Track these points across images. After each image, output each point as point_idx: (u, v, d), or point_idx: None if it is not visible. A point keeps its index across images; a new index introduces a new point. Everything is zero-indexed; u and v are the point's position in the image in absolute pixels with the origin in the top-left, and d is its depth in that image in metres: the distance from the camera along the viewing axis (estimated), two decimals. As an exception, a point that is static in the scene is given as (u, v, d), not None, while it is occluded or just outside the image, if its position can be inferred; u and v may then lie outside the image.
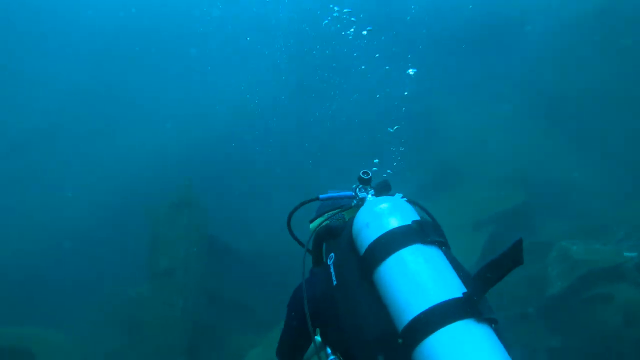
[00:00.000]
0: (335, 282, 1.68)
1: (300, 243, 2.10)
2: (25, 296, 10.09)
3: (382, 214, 1.63)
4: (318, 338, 1.83)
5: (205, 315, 9.06)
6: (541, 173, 11.05)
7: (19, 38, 18.28)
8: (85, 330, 9.69)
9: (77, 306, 9.99)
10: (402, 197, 1.87)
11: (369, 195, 1.92)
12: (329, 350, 1.76)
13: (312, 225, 2.11)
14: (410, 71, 11.36)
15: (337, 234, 1.89)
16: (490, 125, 12.78)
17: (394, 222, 1.59)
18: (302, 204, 2.09)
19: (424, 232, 1.56)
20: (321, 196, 2.09)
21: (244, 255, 11.02)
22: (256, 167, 15.67)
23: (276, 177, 15.61)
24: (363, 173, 1.95)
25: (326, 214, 2.10)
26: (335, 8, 12.35)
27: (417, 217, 1.65)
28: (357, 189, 1.97)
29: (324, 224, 2.03)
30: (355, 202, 1.97)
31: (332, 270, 1.73)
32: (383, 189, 1.97)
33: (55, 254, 11.47)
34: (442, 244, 1.58)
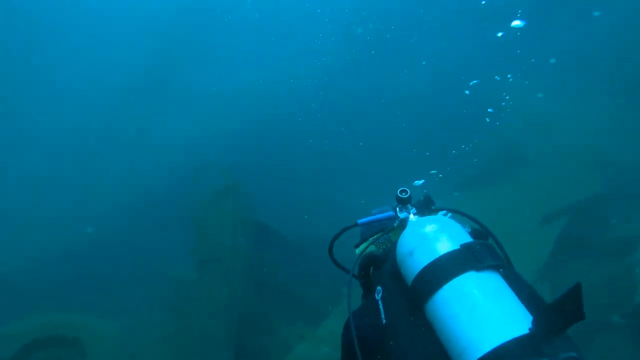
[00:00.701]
0: (384, 321, 1.59)
1: (344, 270, 2.00)
2: (72, 283, 10.31)
3: (427, 238, 1.53)
4: None
5: (252, 304, 8.85)
6: (620, 157, 9.83)
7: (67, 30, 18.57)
8: (133, 317, 9.79)
9: (125, 293, 10.11)
10: (447, 214, 1.77)
11: (411, 215, 1.83)
12: None
13: (358, 251, 1.98)
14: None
15: (381, 262, 1.79)
16: (560, 102, 11.59)
17: (441, 247, 1.48)
18: (343, 230, 2.01)
19: (476, 256, 1.43)
20: (360, 221, 1.99)
21: (292, 243, 10.71)
22: (306, 152, 15.26)
23: (327, 162, 15.15)
24: (401, 192, 1.84)
25: (370, 238, 1.96)
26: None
27: (468, 238, 1.53)
28: (397, 209, 1.87)
29: (367, 250, 1.90)
30: (397, 223, 1.86)
31: (380, 306, 1.63)
32: (425, 206, 1.86)
33: (101, 241, 11.64)
34: (499, 266, 1.44)
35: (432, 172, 8.54)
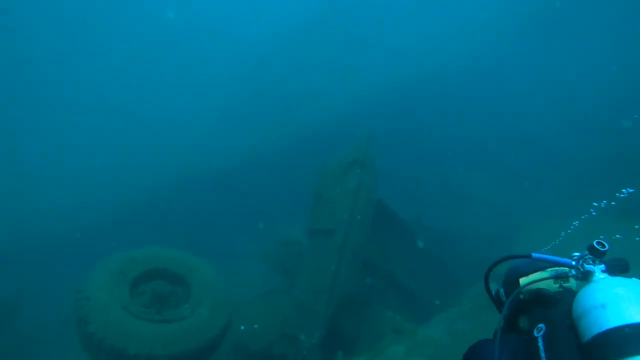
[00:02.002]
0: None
1: (493, 299, 2.00)
2: (191, 227, 10.88)
3: (625, 300, 1.45)
4: None
5: (355, 284, 8.41)
6: None
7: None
8: (241, 267, 10.03)
9: (236, 243, 10.40)
10: None
11: (599, 272, 1.70)
12: None
13: (524, 281, 1.88)
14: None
15: (550, 304, 1.72)
16: None
17: (638, 315, 1.38)
18: (509, 258, 1.95)
19: None
20: (534, 255, 1.86)
21: (409, 230, 10.01)
22: (443, 135, 14.32)
23: (465, 151, 14.06)
24: (598, 243, 1.71)
25: (542, 273, 1.85)
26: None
27: None
28: (582, 260, 1.75)
29: (535, 285, 1.82)
30: (574, 272, 1.77)
31: (540, 344, 1.58)
32: (619, 269, 1.74)
33: (225, 192, 12.04)
34: None
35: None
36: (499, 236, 11.35)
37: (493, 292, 2.02)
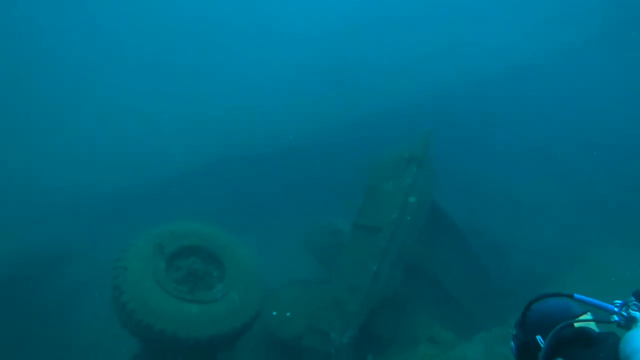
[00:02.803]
0: None
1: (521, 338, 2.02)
2: (235, 204, 10.77)
3: None
4: None
5: (396, 290, 8.01)
6: None
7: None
8: (280, 249, 9.86)
9: (278, 225, 10.22)
10: None
11: None
12: None
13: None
14: None
15: (592, 344, 1.75)
16: None
17: None
18: (553, 295, 2.00)
19: None
20: (576, 296, 1.92)
21: (463, 238, 9.42)
22: (510, 137, 13.36)
23: (534, 156, 13.09)
24: None
25: (585, 315, 1.88)
26: None
27: None
28: (626, 306, 1.76)
29: (579, 323, 1.85)
30: (617, 318, 1.78)
31: None
32: None
33: (275, 172, 11.82)
34: None
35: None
36: (556, 255, 10.51)
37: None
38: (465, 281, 9.56)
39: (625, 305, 1.75)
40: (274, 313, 7.95)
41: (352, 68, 14.53)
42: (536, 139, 13.85)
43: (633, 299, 1.75)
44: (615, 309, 1.77)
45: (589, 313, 1.88)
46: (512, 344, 2.06)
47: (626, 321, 1.73)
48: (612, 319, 1.78)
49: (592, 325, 1.84)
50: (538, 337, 1.90)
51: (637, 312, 1.72)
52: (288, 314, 8.01)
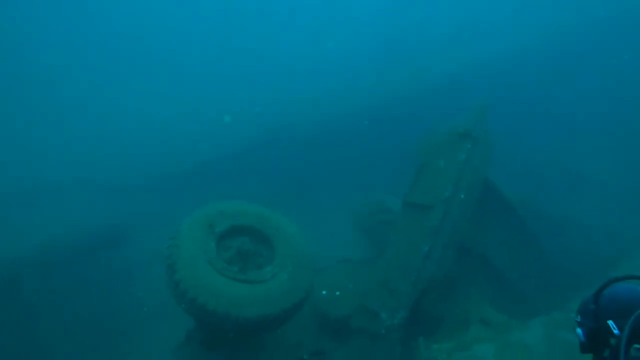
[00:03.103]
0: None
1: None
2: (283, 180, 10.70)
3: None
4: None
5: (447, 270, 7.75)
6: None
7: None
8: (328, 227, 9.76)
9: (326, 201, 10.08)
10: None
11: None
12: None
13: None
14: None
15: None
16: None
17: None
18: (626, 278, 1.97)
19: None
20: None
21: (522, 217, 8.96)
22: (572, 109, 12.52)
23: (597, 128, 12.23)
24: None
25: None
26: None
27: None
28: None
29: None
30: None
31: None
32: None
33: (324, 146, 11.63)
34: None
35: None
36: (622, 236, 9.83)
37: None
38: (519, 262, 9.14)
39: None
40: (323, 292, 7.93)
41: (405, 41, 13.97)
42: (601, 108, 12.89)
43: None
44: None
45: None
46: (579, 330, 2.02)
47: None
48: None
49: None
50: (610, 322, 1.86)
51: None
52: (337, 293, 7.96)
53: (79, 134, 13.61)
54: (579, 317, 2.05)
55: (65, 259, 10.55)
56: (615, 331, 1.83)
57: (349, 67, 14.04)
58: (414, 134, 9.34)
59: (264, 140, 12.71)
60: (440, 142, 8.33)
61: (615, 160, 12.03)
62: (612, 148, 12.22)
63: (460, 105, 8.90)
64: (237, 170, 12.04)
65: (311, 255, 6.73)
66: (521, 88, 12.47)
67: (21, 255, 10.35)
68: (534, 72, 12.71)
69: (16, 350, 9.47)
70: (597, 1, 13.66)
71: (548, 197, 11.24)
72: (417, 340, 7.23)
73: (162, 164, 12.91)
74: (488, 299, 7.93)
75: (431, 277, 7.36)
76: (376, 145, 11.86)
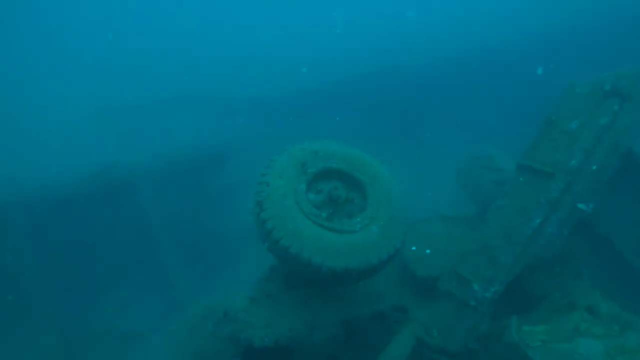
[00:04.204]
0: None
1: None
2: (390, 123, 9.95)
3: None
4: None
5: (559, 250, 6.84)
6: None
7: None
8: (426, 178, 9.08)
9: (430, 150, 9.29)
10: None
11: None
12: None
13: None
14: None
15: None
16: None
17: None
18: None
19: None
20: None
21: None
22: None
23: None
24: None
25: None
26: None
27: None
28: None
29: None
30: None
31: None
32: None
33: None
34: None
35: None
36: None
37: None
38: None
39: None
40: (413, 248, 7.48)
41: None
42: None
43: None
44: None
45: None
46: None
47: None
48: None
49: None
50: None
51: None
52: (428, 251, 7.47)
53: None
54: None
55: (173, 174, 11.13)
56: None
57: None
58: (547, 83, 8.04)
59: (375, 74, 11.96)
60: (577, 98, 7.04)
61: None
62: None
63: (613, 57, 7.37)
64: (343, 103, 11.56)
65: (405, 211, 6.21)
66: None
67: (139, 161, 11.07)
68: None
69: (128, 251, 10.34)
70: None
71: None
72: (510, 318, 6.60)
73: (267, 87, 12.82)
74: (602, 287, 6.93)
75: (539, 254, 6.52)
76: (496, 89, 10.58)
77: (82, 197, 9.99)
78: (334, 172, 6.23)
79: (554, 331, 6.34)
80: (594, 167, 6.52)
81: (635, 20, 10.22)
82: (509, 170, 8.18)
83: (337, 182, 6.21)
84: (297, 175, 5.94)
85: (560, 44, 9.81)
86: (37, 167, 10.09)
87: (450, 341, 6.43)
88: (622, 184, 7.18)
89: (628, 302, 6.76)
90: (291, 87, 12.41)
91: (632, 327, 5.98)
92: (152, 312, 9.99)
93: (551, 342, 5.89)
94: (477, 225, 7.44)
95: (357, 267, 5.51)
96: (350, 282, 5.98)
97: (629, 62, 6.90)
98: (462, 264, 6.84)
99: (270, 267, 6.55)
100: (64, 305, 9.69)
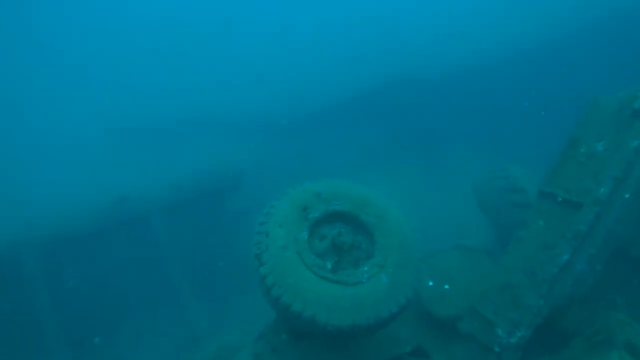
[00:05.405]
0: None
1: None
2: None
3: None
4: None
5: (591, 286, 6.25)
6: None
7: None
8: (441, 198, 8.57)
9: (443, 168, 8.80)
10: None
11: None
12: None
13: None
14: None
15: None
16: None
17: None
18: None
19: None
20: None
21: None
22: None
23: None
24: None
25: None
26: None
27: None
28: None
29: None
30: None
31: None
32: None
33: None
34: None
35: None
36: None
37: None
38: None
39: None
40: (430, 283, 7.00)
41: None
42: None
43: None
44: None
45: None
46: None
47: None
48: None
49: None
50: None
51: None
52: (446, 286, 6.97)
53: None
54: None
55: (188, 201, 10.94)
56: None
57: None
58: (574, 98, 7.46)
59: (388, 87, 11.50)
60: (604, 116, 6.42)
61: None
62: None
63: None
64: (358, 119, 11.15)
65: (417, 253, 5.75)
66: None
67: (150, 194, 10.93)
68: None
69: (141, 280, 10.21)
70: None
71: None
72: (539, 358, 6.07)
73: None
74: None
75: (569, 293, 5.96)
76: (518, 100, 9.98)
77: (94, 234, 9.93)
78: (338, 214, 5.82)
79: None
80: (627, 196, 5.91)
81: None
82: (532, 191, 7.62)
83: (341, 225, 5.79)
84: (298, 222, 5.56)
85: (588, 56, 9.13)
86: (49, 206, 10.06)
87: (473, 390, 5.96)
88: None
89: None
90: (304, 106, 12.09)
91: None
92: (166, 346, 9.84)
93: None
94: (499, 257, 6.91)
95: (365, 322, 5.09)
96: (359, 337, 5.57)
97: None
98: (483, 302, 6.33)
99: (275, 318, 6.19)
100: (78, 341, 9.65)
